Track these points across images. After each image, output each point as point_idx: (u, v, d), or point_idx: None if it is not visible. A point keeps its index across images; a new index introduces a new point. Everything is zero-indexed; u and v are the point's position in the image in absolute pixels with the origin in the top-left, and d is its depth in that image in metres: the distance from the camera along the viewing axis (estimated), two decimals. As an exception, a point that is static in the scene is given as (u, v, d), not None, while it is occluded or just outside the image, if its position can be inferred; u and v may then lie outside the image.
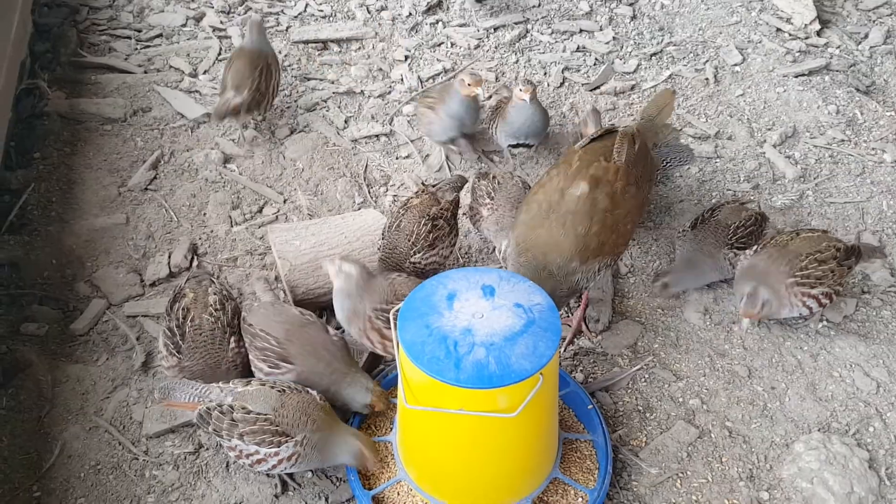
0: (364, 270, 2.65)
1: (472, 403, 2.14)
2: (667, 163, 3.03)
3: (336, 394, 2.53)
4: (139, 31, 4.36)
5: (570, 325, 3.00)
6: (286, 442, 2.32)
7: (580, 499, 2.46)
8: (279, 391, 2.39)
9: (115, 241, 3.24)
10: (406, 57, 4.25)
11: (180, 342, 2.54)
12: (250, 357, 2.59)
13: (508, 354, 2.14)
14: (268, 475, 2.51)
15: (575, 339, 2.99)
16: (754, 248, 2.91)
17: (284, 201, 3.46)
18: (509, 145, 3.56)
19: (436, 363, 2.12)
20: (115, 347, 2.89)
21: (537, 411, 2.27)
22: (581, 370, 2.90)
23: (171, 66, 4.11)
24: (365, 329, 2.62)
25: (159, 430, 2.61)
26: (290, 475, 2.52)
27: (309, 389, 2.45)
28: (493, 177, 3.17)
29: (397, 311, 2.28)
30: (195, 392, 2.42)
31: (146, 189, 3.47)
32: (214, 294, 2.65)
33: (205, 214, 3.37)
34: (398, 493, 2.46)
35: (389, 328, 2.52)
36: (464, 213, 3.27)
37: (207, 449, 2.59)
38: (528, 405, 2.15)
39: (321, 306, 2.99)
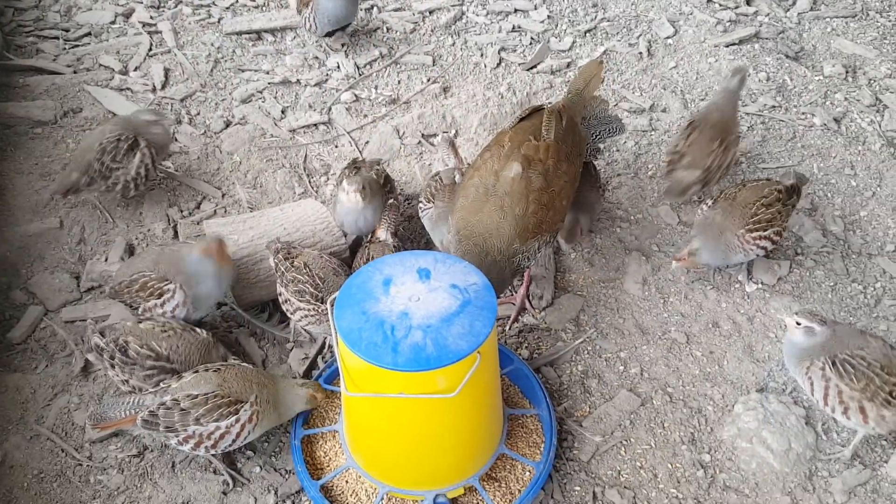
0: None
1: (412, 386, 2.15)
2: (596, 135, 3.06)
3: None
4: (67, 30, 4.26)
5: (514, 304, 3.03)
6: (242, 407, 2.37)
7: (527, 472, 2.50)
8: (215, 370, 2.43)
9: (50, 246, 3.18)
10: (342, 44, 4.22)
11: (167, 365, 2.56)
12: (146, 307, 2.72)
13: (445, 335, 2.15)
14: (215, 473, 2.51)
15: (520, 317, 3.02)
16: (708, 202, 3.04)
17: (223, 196, 3.43)
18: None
19: (373, 349, 2.13)
20: (53, 354, 2.84)
21: (477, 390, 2.29)
22: (526, 347, 2.93)
23: (100, 65, 4.03)
24: None
25: (102, 435, 2.58)
26: (238, 471, 2.52)
27: (243, 363, 2.54)
28: (439, 177, 3.13)
29: (334, 299, 2.28)
30: (128, 405, 2.42)
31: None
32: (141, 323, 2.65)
33: (141, 213, 3.32)
34: (346, 482, 2.47)
35: None
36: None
37: (152, 451, 2.56)
38: (467, 384, 2.17)
39: (262, 300, 2.98)
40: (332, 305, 2.27)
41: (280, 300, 2.82)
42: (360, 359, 2.14)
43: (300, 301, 2.73)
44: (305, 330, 2.86)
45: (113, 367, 2.55)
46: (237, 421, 2.37)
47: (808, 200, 3.42)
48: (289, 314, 2.81)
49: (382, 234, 2.96)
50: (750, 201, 2.96)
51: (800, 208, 3.38)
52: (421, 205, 3.11)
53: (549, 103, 3.56)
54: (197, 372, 2.43)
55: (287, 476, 2.53)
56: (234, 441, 2.39)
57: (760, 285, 3.09)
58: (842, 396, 2.46)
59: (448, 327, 2.17)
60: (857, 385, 2.43)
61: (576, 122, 2.90)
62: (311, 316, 2.73)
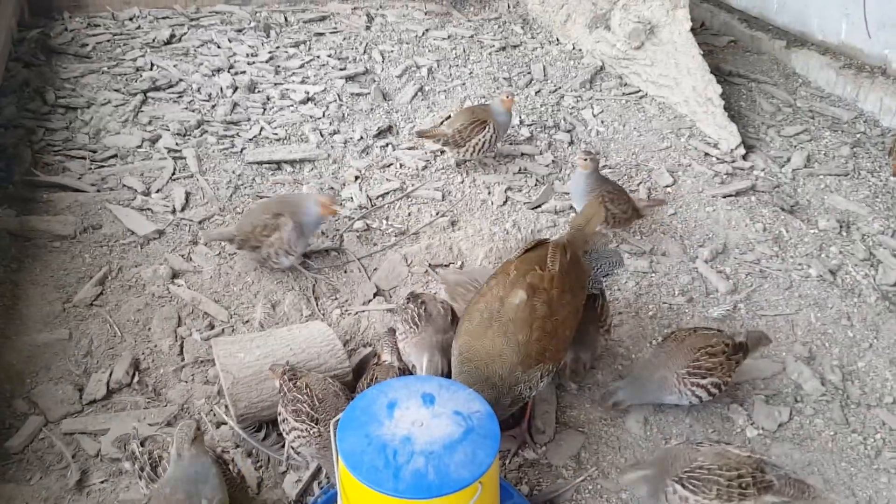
0: None
1: (412, 514, 2.12)
2: (597, 269, 3.18)
3: None
4: (94, 151, 4.47)
5: (515, 437, 3.02)
6: None
7: None
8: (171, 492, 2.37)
9: (57, 357, 3.20)
10: (356, 177, 4.42)
11: None
12: None
13: (447, 463, 2.15)
14: None
15: (520, 451, 3.00)
16: (659, 339, 3.13)
17: (231, 316, 3.49)
18: None
19: (374, 473, 2.12)
20: (49, 466, 2.80)
21: (477, 522, 2.25)
22: (526, 482, 2.89)
23: (124, 185, 4.20)
24: None
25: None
26: None
27: None
28: (422, 301, 3.17)
29: (337, 421, 2.29)
30: None
31: (91, 305, 3.47)
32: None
33: (149, 329, 3.37)
34: None
35: None
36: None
37: (139, 571, 2.49)
38: (467, 516, 2.15)
39: (264, 420, 2.97)
40: (335, 427, 2.28)
41: (279, 419, 2.82)
42: (361, 483, 2.13)
43: (296, 420, 2.73)
44: (297, 451, 2.83)
45: (140, 478, 2.52)
46: None
47: (807, 349, 3.47)
48: (284, 434, 2.81)
49: (387, 356, 3.00)
50: (696, 346, 3.05)
51: (798, 356, 3.43)
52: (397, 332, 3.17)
53: (553, 236, 3.70)
54: (152, 496, 2.37)
55: None
56: None
57: (761, 431, 3.09)
58: None
59: (450, 455, 2.17)
60: (712, 494, 2.55)
61: (578, 255, 3.01)
62: (305, 437, 2.72)
